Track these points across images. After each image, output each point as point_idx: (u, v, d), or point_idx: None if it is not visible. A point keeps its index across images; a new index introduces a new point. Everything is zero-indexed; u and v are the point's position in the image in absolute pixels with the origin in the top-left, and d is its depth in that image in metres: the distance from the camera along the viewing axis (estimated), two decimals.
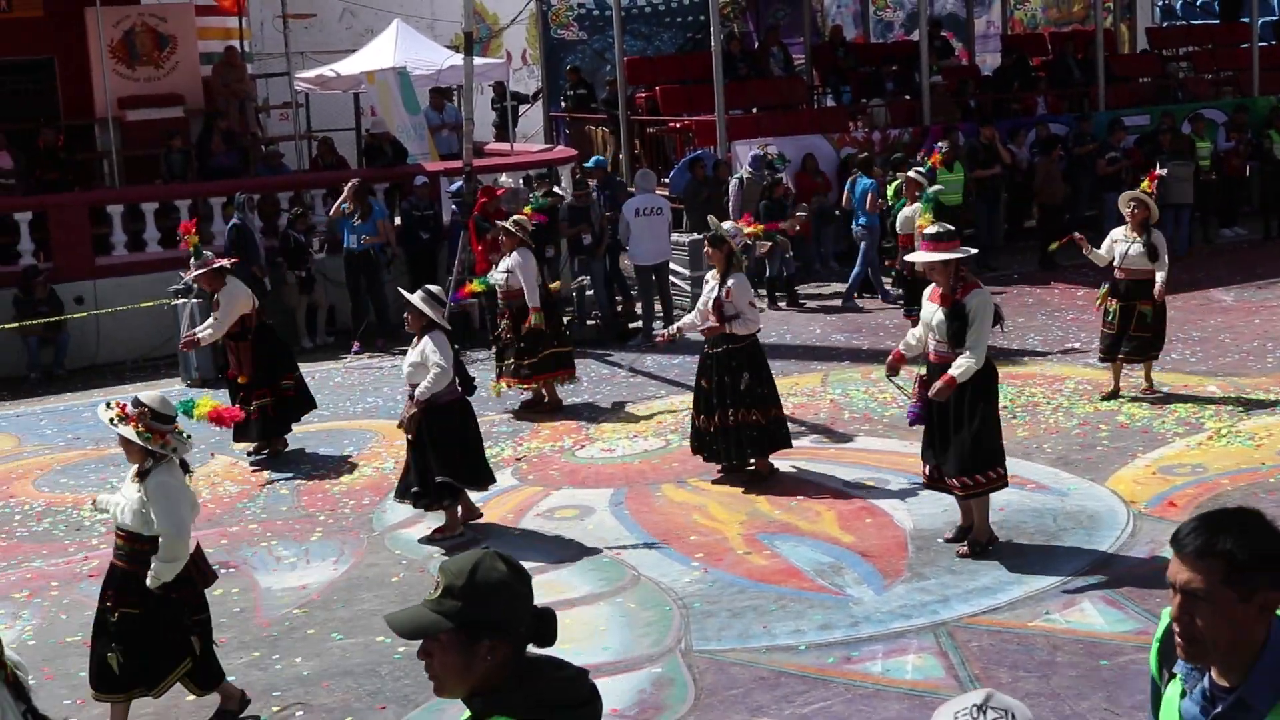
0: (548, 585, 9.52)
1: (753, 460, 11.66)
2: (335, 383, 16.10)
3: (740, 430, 11.38)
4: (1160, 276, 13.00)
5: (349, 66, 23.41)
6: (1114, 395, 13.35)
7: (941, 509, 10.58)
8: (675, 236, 19.15)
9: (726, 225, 11.71)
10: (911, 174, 16.28)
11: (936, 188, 15.42)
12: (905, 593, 9.06)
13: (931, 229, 9.71)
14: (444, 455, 10.44)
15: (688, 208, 20.23)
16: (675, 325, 12.31)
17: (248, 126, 22.36)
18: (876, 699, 7.64)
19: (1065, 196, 21.44)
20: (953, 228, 9.74)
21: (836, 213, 20.99)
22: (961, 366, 9.26)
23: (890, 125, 23.04)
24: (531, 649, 3.50)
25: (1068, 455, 11.78)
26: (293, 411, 13.30)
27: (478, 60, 21.21)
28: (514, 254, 13.82)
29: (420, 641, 3.48)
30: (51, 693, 8.25)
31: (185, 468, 7.77)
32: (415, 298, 10.50)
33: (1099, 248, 13.42)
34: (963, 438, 9.39)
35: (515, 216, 14.45)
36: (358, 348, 17.57)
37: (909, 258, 11.40)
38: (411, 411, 10.38)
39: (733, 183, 19.70)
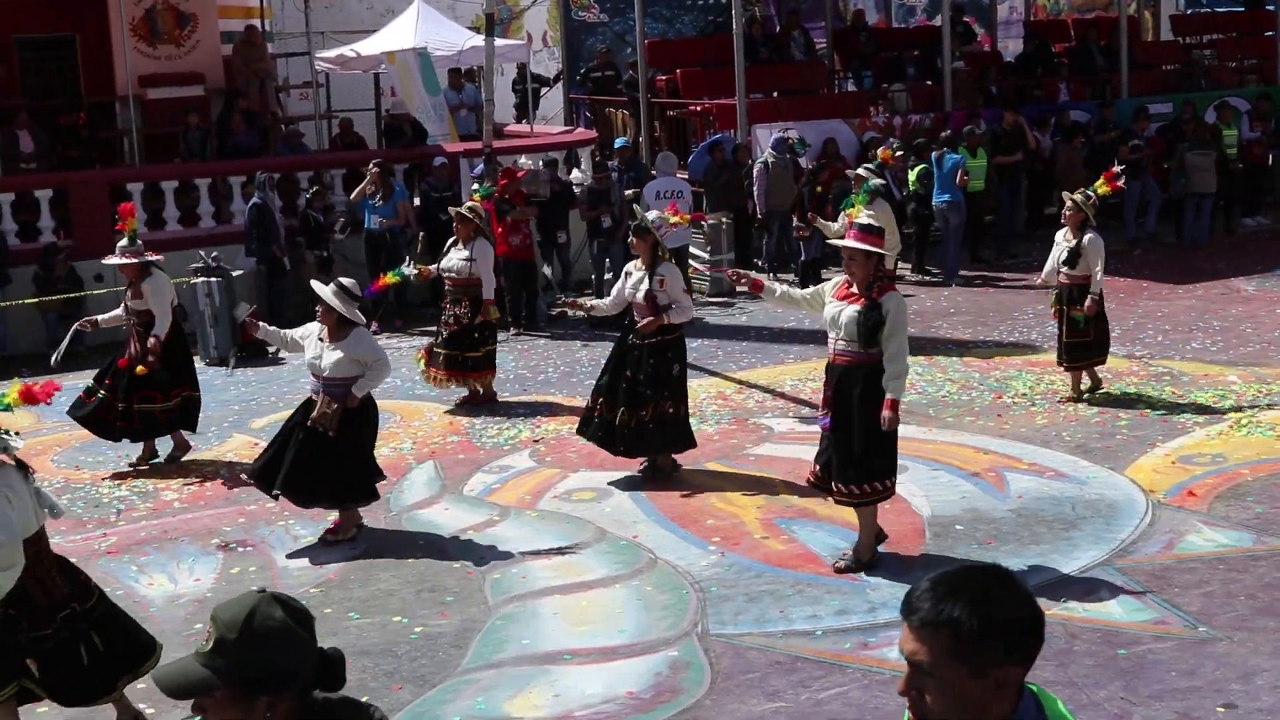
0: (565, 567, 9.54)
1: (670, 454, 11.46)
2: None
3: (666, 423, 11.17)
4: (1096, 278, 12.74)
5: (369, 47, 23.40)
6: (1077, 399, 13.01)
7: (960, 496, 10.57)
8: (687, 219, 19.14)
9: (651, 215, 11.35)
10: (860, 170, 15.78)
11: (877, 181, 15.21)
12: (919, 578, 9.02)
13: (863, 219, 9.42)
14: (364, 453, 10.23)
15: (707, 191, 20.21)
16: (588, 301, 11.98)
17: (268, 106, 22.38)
18: (893, 685, 7.56)
19: (1087, 184, 21.34)
20: (881, 226, 9.37)
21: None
22: (893, 384, 8.86)
23: (911, 110, 22.99)
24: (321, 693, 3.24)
25: (1087, 443, 11.74)
26: (166, 425, 12.40)
27: (498, 41, 21.22)
28: (476, 243, 13.69)
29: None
30: None
31: (23, 468, 7.11)
32: (327, 292, 10.07)
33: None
34: (857, 444, 9.00)
35: (469, 203, 14.24)
36: (376, 328, 17.56)
37: (833, 241, 11.33)
38: (330, 410, 9.94)
39: (757, 166, 19.67)
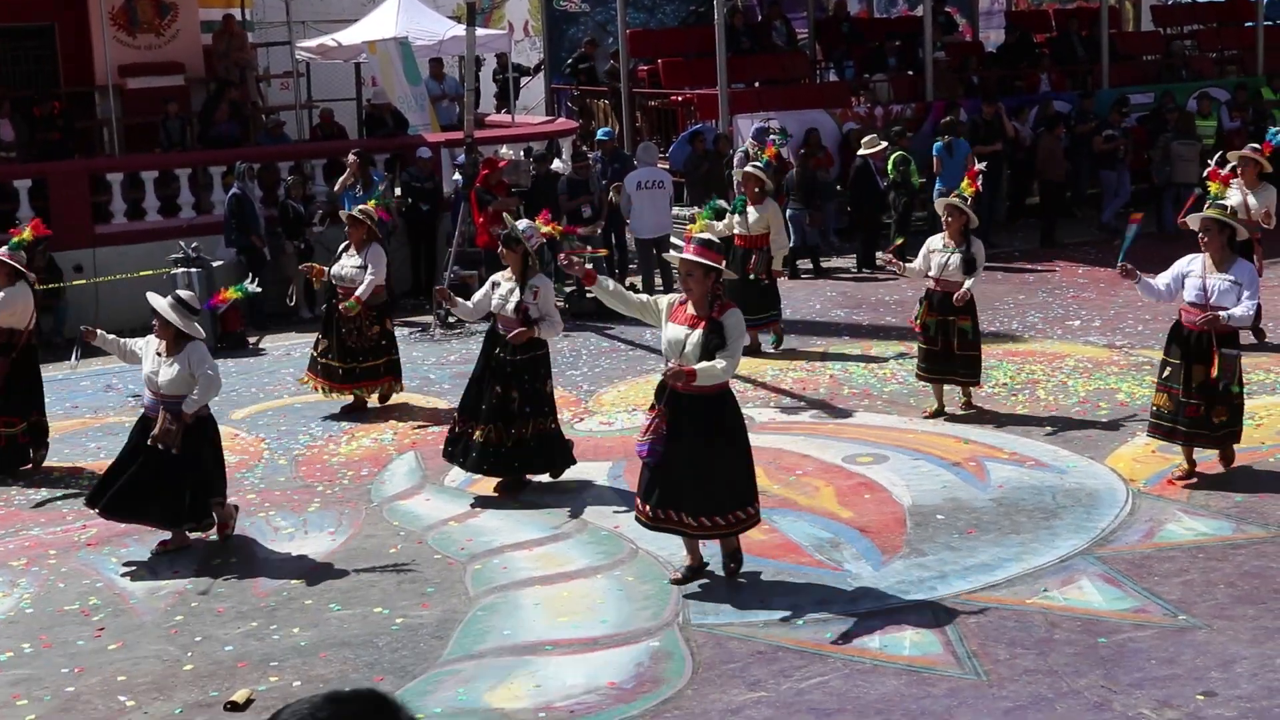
0: (546, 558, 9.54)
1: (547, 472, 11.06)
2: None
3: (546, 439, 10.83)
4: (967, 284, 12.08)
5: (350, 36, 23.34)
6: (939, 413, 12.42)
7: (941, 485, 10.59)
8: (675, 210, 19.16)
9: (522, 225, 10.82)
10: (749, 169, 15.01)
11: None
12: (903, 569, 9.06)
13: (705, 234, 8.89)
14: (204, 473, 9.86)
15: (688, 181, 20.22)
16: (461, 304, 11.10)
17: (248, 95, 22.30)
18: (874, 674, 7.64)
19: (1067, 174, 21.43)
20: (719, 242, 8.96)
21: (838, 188, 20.98)
22: (704, 365, 8.36)
23: (893, 100, 23.00)
24: None
25: (1067, 433, 11.77)
26: (18, 454, 11.98)
27: (479, 31, 21.16)
28: (369, 248, 13.08)
29: None
30: (49, 661, 8.25)
31: None
32: (164, 305, 9.75)
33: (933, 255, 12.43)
34: (709, 476, 8.56)
35: (362, 206, 13.58)
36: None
37: (669, 256, 10.99)
38: (173, 426, 9.61)
39: (737, 156, 19.66)
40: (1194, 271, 10.41)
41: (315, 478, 11.58)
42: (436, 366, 15.13)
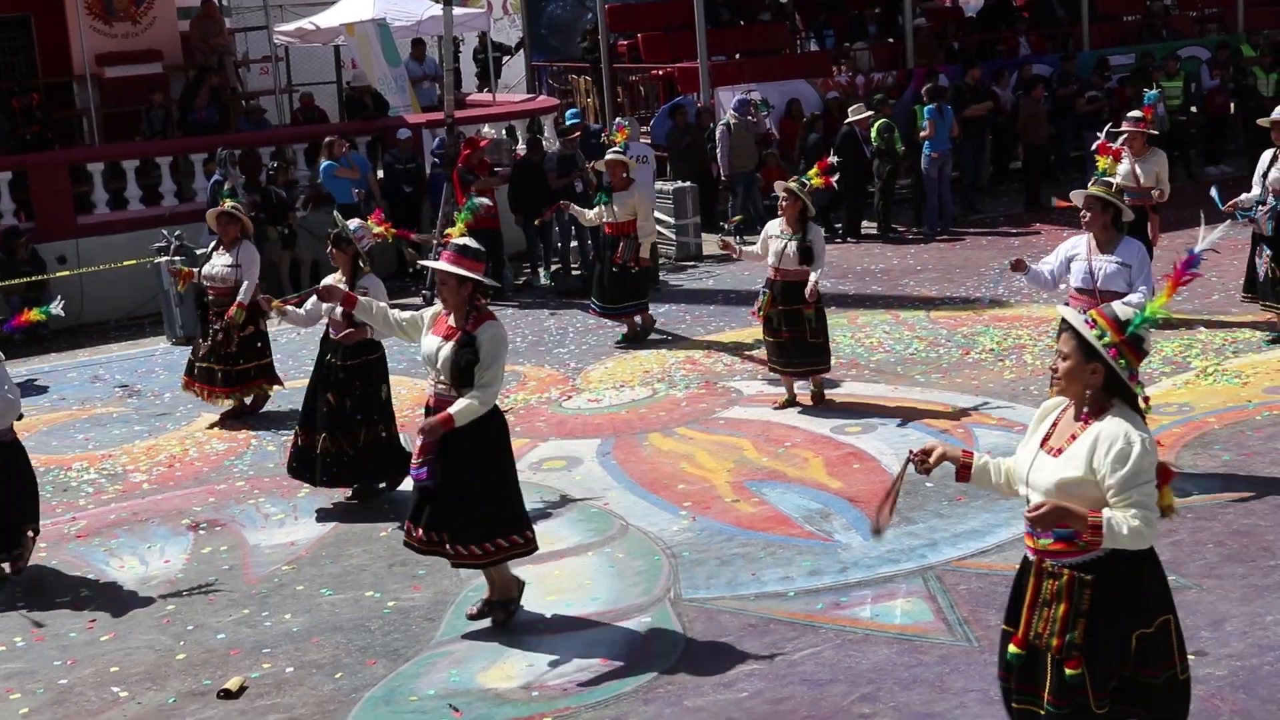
0: (537, 536, 9.52)
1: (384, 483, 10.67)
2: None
3: (382, 448, 10.41)
4: (813, 277, 11.62)
5: (328, 19, 23.23)
6: (789, 403, 12.04)
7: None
8: (658, 185, 19.13)
9: (353, 224, 10.31)
10: (610, 155, 14.59)
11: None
12: (893, 537, 9.06)
13: (461, 240, 8.17)
14: (16, 495, 9.41)
15: (670, 155, 20.18)
16: (299, 308, 10.62)
17: (228, 81, 22.22)
18: (866, 644, 7.66)
19: (1049, 137, 21.43)
20: (483, 249, 8.10)
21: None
22: (461, 405, 7.72)
23: (874, 69, 22.96)
24: None
25: None
26: None
27: (458, 10, 21.08)
28: (241, 247, 12.50)
29: None
30: (41, 653, 8.25)
31: None
32: None
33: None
34: (473, 502, 7.94)
35: (231, 202, 12.77)
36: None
37: (424, 263, 10.03)
38: None
39: (719, 129, 19.63)
40: (1079, 254, 9.66)
41: None
42: None
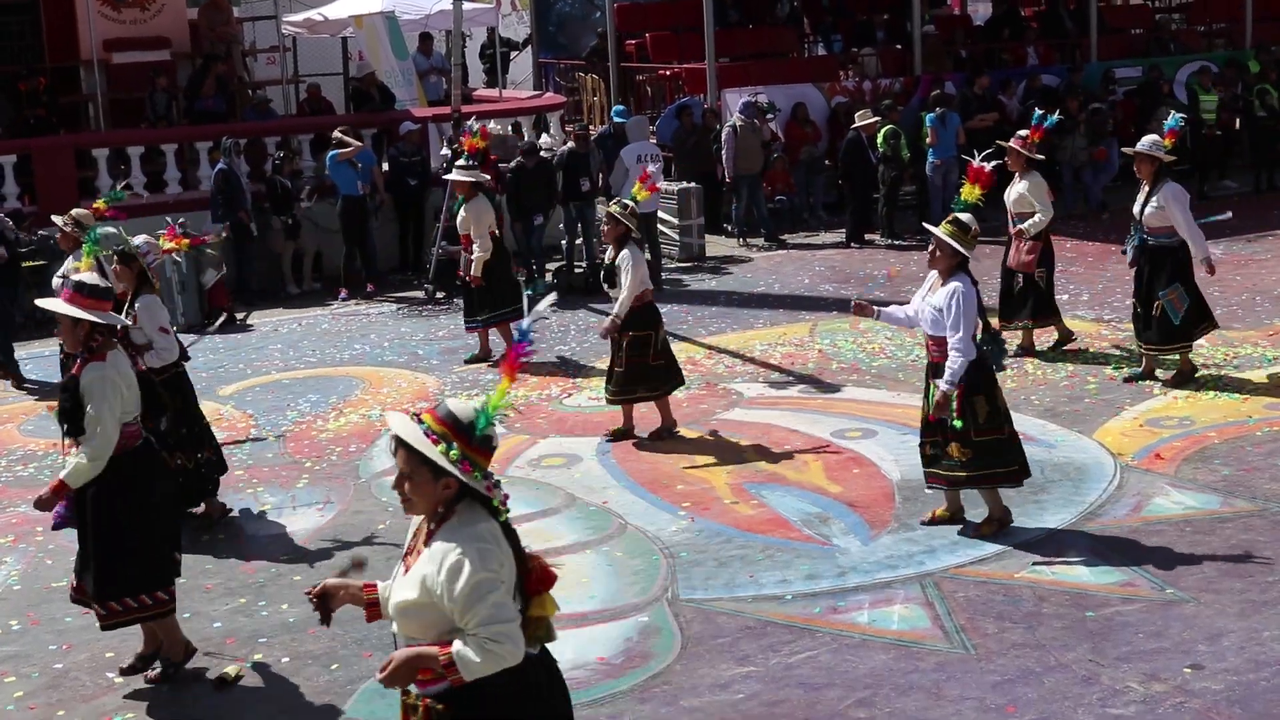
0: (535, 533, 9.52)
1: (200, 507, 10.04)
2: (322, 329, 16.07)
3: (198, 465, 9.85)
4: (618, 304, 11.08)
5: (337, 10, 23.23)
6: (626, 435, 11.45)
7: None
8: (663, 185, 19.12)
9: (138, 240, 9.71)
10: (456, 174, 14.11)
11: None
12: (892, 543, 9.06)
13: (83, 276, 7.44)
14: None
15: (676, 155, 20.19)
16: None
17: (234, 70, 22.22)
18: (863, 649, 7.65)
19: (1054, 149, 21.39)
20: (108, 286, 7.52)
21: (826, 162, 21.00)
22: (70, 467, 7.20)
23: (881, 74, 22.95)
24: None
25: (1055, 407, 11.77)
26: None
27: (466, 5, 21.08)
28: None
29: None
30: (36, 638, 8.24)
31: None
32: None
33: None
34: (98, 552, 7.37)
35: (78, 209, 12.09)
36: (344, 294, 17.51)
37: (41, 303, 8.02)
38: None
39: (725, 130, 19.63)
40: (924, 293, 9.05)
41: (303, 454, 11.57)
42: (424, 342, 15.10)
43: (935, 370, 8.92)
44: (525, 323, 4.91)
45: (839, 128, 20.63)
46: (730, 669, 7.47)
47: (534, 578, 4.75)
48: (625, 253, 11.10)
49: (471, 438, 4.62)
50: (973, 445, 8.87)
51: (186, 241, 10.71)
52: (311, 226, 18.25)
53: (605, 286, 11.18)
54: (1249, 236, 18.55)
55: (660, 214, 18.54)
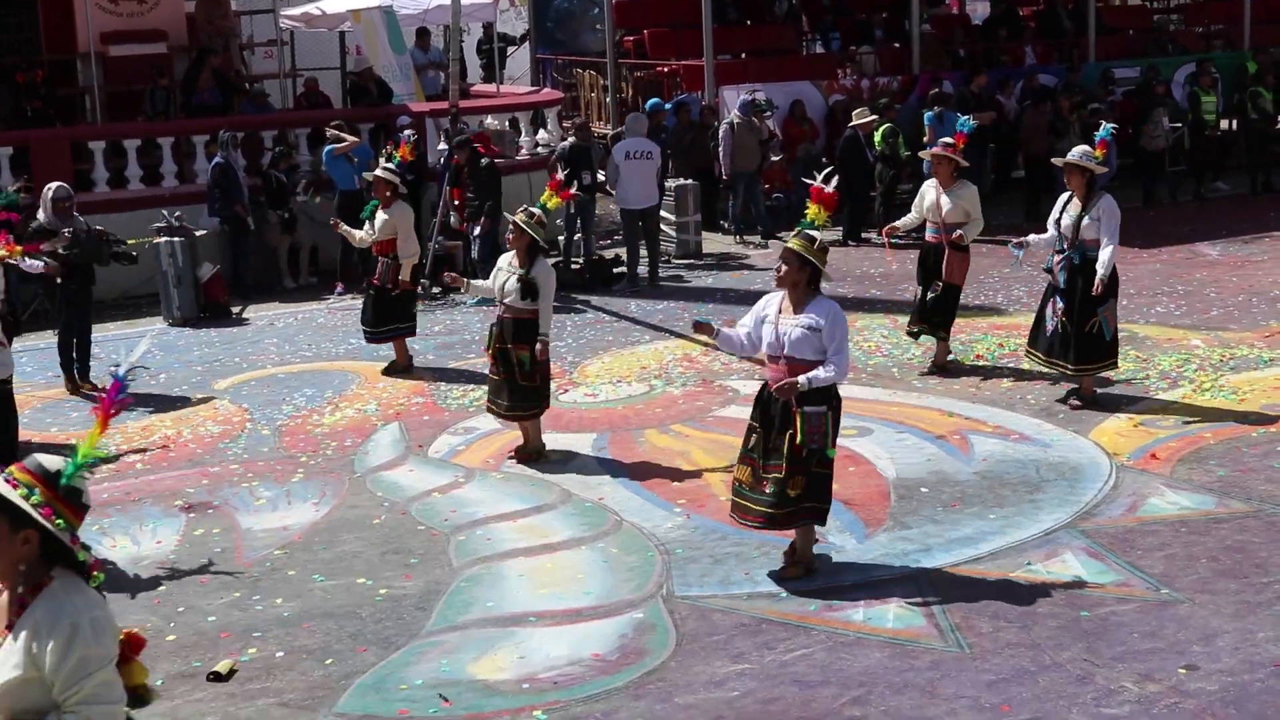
0: (530, 529, 9.53)
1: None
2: (318, 324, 16.06)
3: None
4: (545, 314, 10.72)
5: (335, 4, 23.21)
6: (537, 453, 10.98)
7: (925, 459, 10.60)
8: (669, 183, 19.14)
9: None
10: (380, 172, 13.93)
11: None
12: (887, 542, 9.07)
13: None
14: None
15: (673, 152, 20.17)
16: None
17: (231, 64, 22.19)
18: (857, 647, 7.65)
19: (1050, 149, 21.40)
20: None
21: (823, 160, 20.95)
22: None
23: (879, 73, 22.96)
24: None
25: (1051, 407, 11.78)
26: None
27: (464, 0, 21.03)
28: None
29: None
30: None
31: None
32: None
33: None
34: None
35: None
36: (341, 289, 17.48)
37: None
38: None
39: (723, 128, 19.61)
40: (769, 315, 8.44)
41: (299, 448, 11.56)
42: (421, 337, 15.06)
43: (799, 398, 8.25)
44: (122, 370, 4.72)
45: (837, 126, 20.62)
46: (725, 666, 7.47)
47: (131, 642, 4.52)
48: (544, 264, 10.78)
49: (57, 485, 4.29)
50: (811, 477, 8.33)
51: (19, 249, 10.48)
52: (307, 220, 18.23)
53: (519, 299, 10.66)
54: (1245, 238, 18.60)
55: (664, 213, 18.53)
